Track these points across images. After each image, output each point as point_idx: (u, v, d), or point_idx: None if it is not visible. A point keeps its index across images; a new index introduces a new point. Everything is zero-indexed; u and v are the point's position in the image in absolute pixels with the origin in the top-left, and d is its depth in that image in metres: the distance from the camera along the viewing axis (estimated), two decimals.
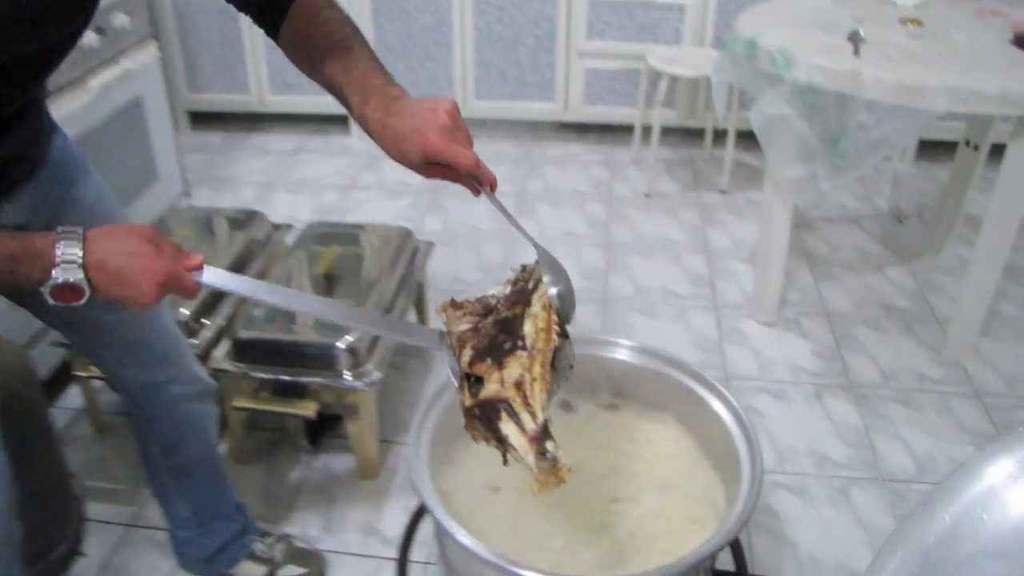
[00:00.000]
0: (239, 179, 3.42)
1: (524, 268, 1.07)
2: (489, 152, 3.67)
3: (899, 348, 2.34)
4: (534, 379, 0.90)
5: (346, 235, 2.18)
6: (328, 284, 1.94)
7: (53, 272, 0.86)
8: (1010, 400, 2.13)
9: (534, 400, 0.88)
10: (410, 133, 0.95)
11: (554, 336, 0.94)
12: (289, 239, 2.27)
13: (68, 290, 0.87)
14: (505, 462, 0.93)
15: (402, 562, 1.45)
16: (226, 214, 2.30)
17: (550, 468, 0.87)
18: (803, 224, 2.96)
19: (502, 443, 0.89)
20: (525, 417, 0.87)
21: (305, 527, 1.80)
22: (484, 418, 0.90)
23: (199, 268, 0.94)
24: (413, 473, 1.18)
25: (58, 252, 0.86)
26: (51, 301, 0.88)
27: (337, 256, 2.02)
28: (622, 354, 1.42)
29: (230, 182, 3.39)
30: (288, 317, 1.83)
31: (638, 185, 3.33)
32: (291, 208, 3.15)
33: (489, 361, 0.93)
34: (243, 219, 2.25)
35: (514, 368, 0.91)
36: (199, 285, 0.94)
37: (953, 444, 1.98)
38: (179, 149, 2.85)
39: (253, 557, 1.64)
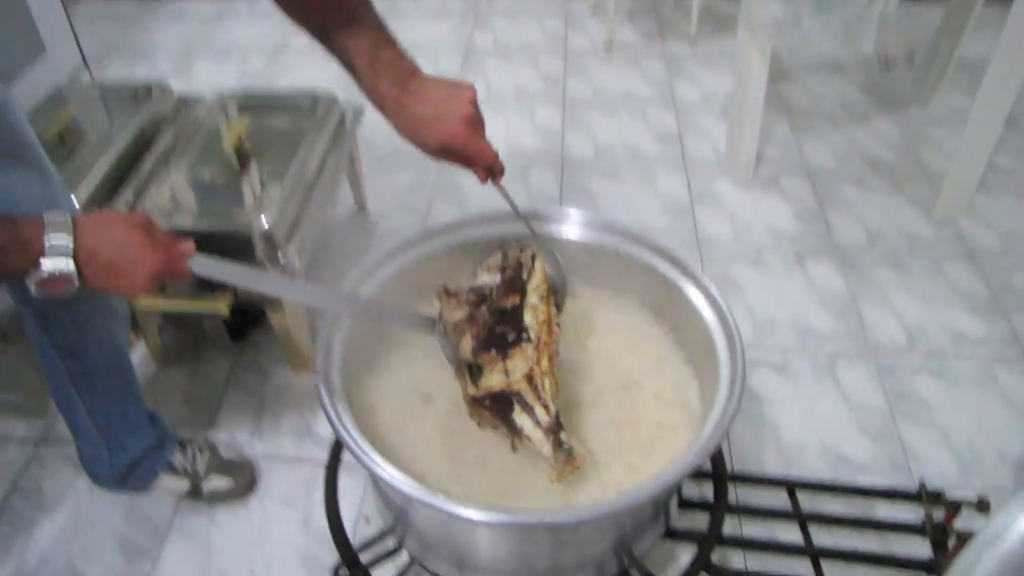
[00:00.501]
0: (156, 49, 3.05)
1: (506, 254, 1.10)
2: (432, 6, 3.31)
3: (887, 207, 2.13)
4: (544, 373, 0.92)
5: (262, 104, 1.88)
6: (240, 160, 1.67)
7: (42, 263, 0.83)
8: (1006, 260, 1.95)
9: (545, 393, 0.91)
10: (431, 119, 0.92)
11: (556, 328, 0.97)
12: (200, 112, 1.97)
13: (56, 281, 0.85)
14: (514, 448, 0.95)
15: (331, 471, 1.26)
16: (128, 88, 1.98)
17: (567, 458, 0.89)
18: (781, 74, 2.69)
19: (514, 432, 0.91)
20: (539, 410, 0.90)
21: (233, 431, 1.61)
22: (495, 409, 0.92)
23: (190, 254, 0.93)
24: (321, 392, 0.97)
25: (47, 241, 0.83)
26: (34, 291, 0.85)
27: (249, 128, 1.74)
28: (574, 230, 1.20)
29: (145, 53, 3.03)
30: (195, 200, 1.57)
31: (597, 36, 3.01)
32: (214, 77, 2.82)
33: (494, 352, 0.94)
34: (147, 93, 1.94)
35: (519, 360, 0.93)
36: (190, 271, 0.92)
37: (946, 310, 1.81)
38: (71, 16, 2.47)
39: (172, 470, 1.45)
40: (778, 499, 1.29)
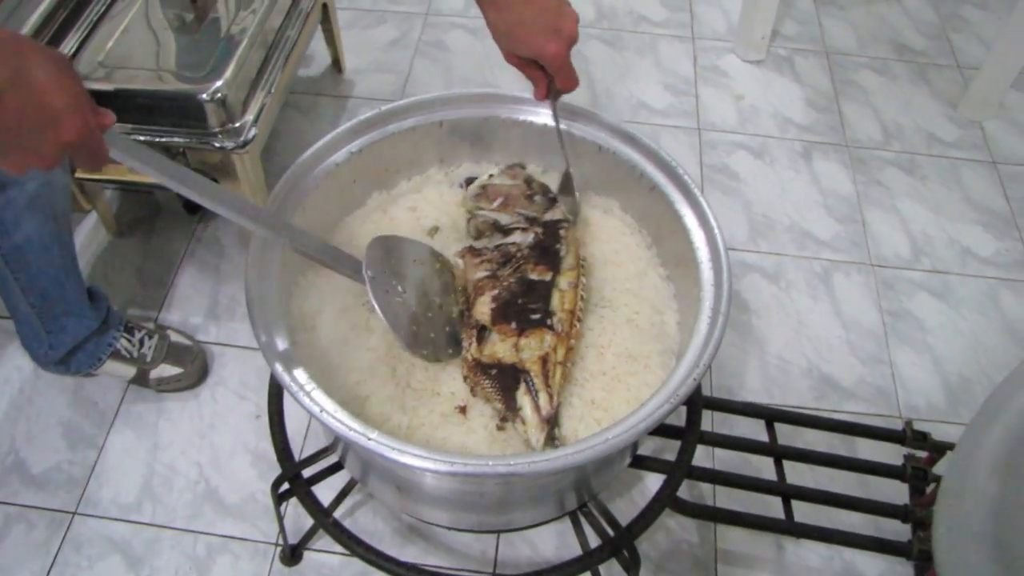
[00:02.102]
0: None
1: (530, 181, 1.05)
2: None
3: (908, 99, 1.96)
4: (558, 362, 0.88)
5: None
6: (197, 9, 1.48)
7: None
8: None
9: (554, 383, 0.87)
10: (533, 27, 0.87)
11: (577, 324, 0.92)
12: None
13: None
14: (501, 427, 0.87)
15: None
16: None
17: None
18: None
19: (511, 411, 0.86)
20: (543, 397, 0.85)
21: (187, 313, 1.51)
22: (500, 380, 0.87)
23: (110, 126, 0.66)
24: (251, 301, 0.86)
25: None
26: None
27: None
28: (551, 118, 1.05)
29: None
30: (143, 59, 1.40)
31: None
32: None
33: (514, 325, 0.90)
34: None
35: (534, 341, 0.89)
36: (106, 152, 0.66)
37: (956, 223, 1.68)
38: None
39: (117, 356, 1.36)
40: (756, 428, 1.22)
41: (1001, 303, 1.54)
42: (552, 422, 0.85)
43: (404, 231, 1.03)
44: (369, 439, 0.75)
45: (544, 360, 0.87)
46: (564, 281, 0.94)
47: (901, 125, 1.88)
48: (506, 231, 1.00)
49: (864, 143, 1.84)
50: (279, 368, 0.80)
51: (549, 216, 1.02)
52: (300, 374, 0.81)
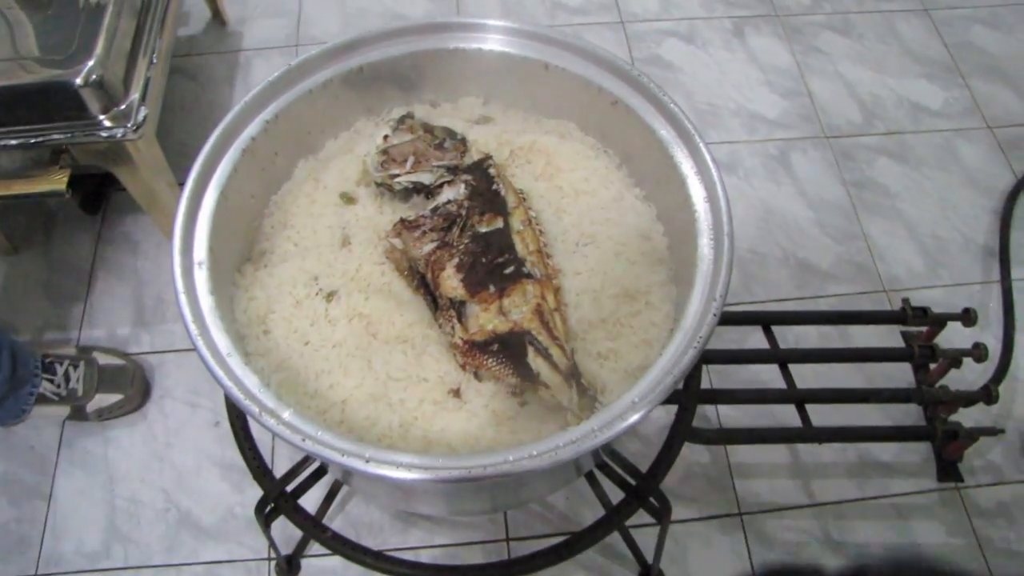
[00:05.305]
0: None
1: (433, 132, 0.93)
2: None
3: None
4: (554, 309, 0.80)
5: None
6: None
7: None
8: (963, 10, 1.74)
9: (558, 331, 0.78)
10: None
11: (549, 261, 0.83)
12: None
13: None
14: (522, 400, 0.78)
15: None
16: None
17: (589, 404, 0.75)
18: None
19: (528, 380, 0.76)
20: (555, 352, 0.76)
21: (112, 325, 1.36)
22: (505, 354, 0.77)
23: None
24: (187, 319, 0.73)
25: None
26: None
27: None
28: (492, 42, 0.93)
29: None
30: None
31: None
32: None
33: (492, 288, 0.80)
34: None
35: (518, 296, 0.79)
36: None
37: (901, 78, 1.62)
38: None
39: (45, 401, 1.21)
40: (744, 334, 1.15)
41: (959, 155, 1.50)
42: (576, 373, 0.76)
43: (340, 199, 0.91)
44: (344, 455, 0.65)
45: (539, 312, 0.78)
46: (517, 221, 0.85)
47: None
48: (433, 191, 0.89)
49: (794, 9, 1.75)
50: (236, 393, 0.69)
51: (467, 159, 0.92)
52: (263, 394, 0.70)
